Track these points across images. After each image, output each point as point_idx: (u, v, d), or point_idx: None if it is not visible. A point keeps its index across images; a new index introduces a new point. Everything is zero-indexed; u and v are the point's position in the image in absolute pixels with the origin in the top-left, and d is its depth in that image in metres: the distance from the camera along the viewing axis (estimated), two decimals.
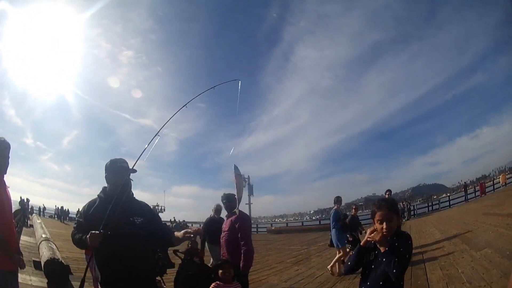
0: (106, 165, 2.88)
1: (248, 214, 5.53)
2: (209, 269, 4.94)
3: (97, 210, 2.69)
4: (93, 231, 2.44)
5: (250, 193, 28.09)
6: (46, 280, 5.24)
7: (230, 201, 5.14)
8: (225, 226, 5.01)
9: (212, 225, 6.68)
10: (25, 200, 28.19)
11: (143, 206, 2.93)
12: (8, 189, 3.11)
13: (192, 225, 41.69)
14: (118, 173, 2.78)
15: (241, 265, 4.43)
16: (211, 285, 3.74)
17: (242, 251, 4.51)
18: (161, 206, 50.98)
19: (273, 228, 30.87)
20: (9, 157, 3.01)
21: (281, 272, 8.48)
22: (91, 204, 2.80)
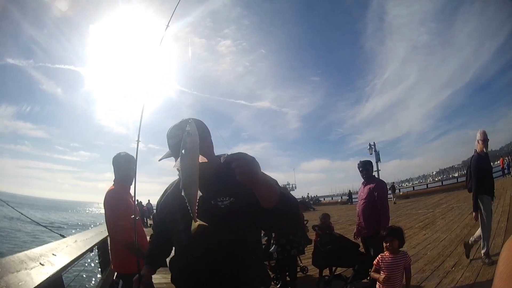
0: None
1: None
2: (349, 242, 4.88)
3: (170, 199, 1.78)
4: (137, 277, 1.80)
5: (377, 159, 27.19)
6: (169, 276, 6.34)
7: (367, 169, 4.82)
8: (362, 193, 4.77)
9: None
10: (141, 202, 27.60)
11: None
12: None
13: (324, 199, 40.97)
14: (172, 144, 1.62)
15: (381, 231, 4.09)
16: (377, 257, 3.35)
17: (381, 219, 4.36)
18: (292, 184, 46.51)
19: (400, 193, 30.00)
20: (134, 169, 2.78)
21: (410, 238, 8.09)
22: (168, 188, 1.88)
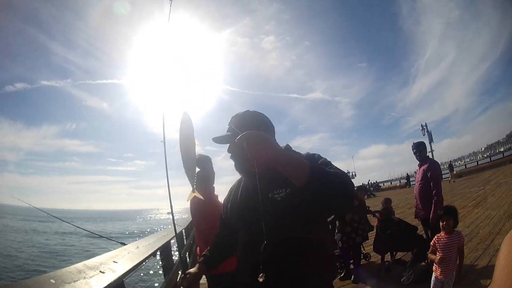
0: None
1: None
2: (408, 226, 4.89)
3: (233, 195, 1.71)
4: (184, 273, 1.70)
5: (430, 140, 26.48)
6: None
7: (420, 150, 4.78)
8: (418, 175, 4.76)
9: None
10: None
11: None
12: (218, 197, 3.13)
13: (383, 184, 40.82)
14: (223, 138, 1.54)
15: (431, 215, 4.30)
16: (434, 238, 3.39)
17: (433, 201, 4.32)
18: (352, 172, 47.54)
19: (454, 172, 29.11)
20: (212, 169, 3.11)
21: (464, 217, 8.23)
22: (234, 185, 1.78)
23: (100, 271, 1.45)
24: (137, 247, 2.53)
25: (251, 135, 1.17)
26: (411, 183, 31.00)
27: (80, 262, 1.50)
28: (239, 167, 1.56)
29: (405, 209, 11.19)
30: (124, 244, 3.32)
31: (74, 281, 1.21)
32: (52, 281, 1.11)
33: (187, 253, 5.75)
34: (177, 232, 4.55)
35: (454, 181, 21.71)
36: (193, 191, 1.48)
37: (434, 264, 3.29)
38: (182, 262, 1.85)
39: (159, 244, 3.26)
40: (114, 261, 1.73)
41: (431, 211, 4.31)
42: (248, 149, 1.17)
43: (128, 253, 2.15)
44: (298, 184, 1.18)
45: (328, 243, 1.55)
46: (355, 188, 5.69)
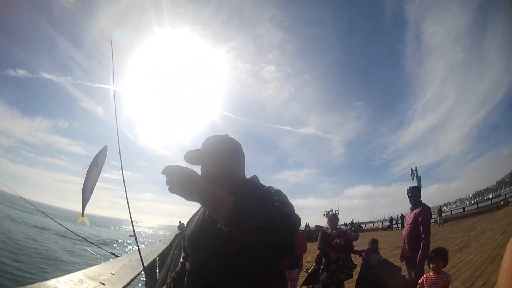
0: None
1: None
2: (392, 266, 4.96)
3: (191, 219, 1.67)
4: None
5: (419, 184, 26.74)
6: None
7: (415, 194, 4.83)
8: (409, 218, 4.82)
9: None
10: (184, 224, 30.05)
11: (260, 197, 1.34)
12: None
13: (366, 225, 40.48)
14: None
15: (418, 257, 4.33)
16: (422, 277, 3.59)
17: (421, 244, 4.38)
18: (335, 210, 45.63)
19: (442, 217, 29.37)
20: None
21: None
22: (194, 214, 1.69)
23: (101, 283, 1.39)
24: (130, 260, 2.45)
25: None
26: (394, 226, 31.64)
27: (62, 266, 1.44)
28: None
29: (386, 251, 11.15)
30: (115, 255, 3.22)
31: None
32: None
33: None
34: (161, 250, 4.52)
35: (442, 225, 22.37)
36: (82, 215, 1.58)
37: None
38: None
39: (149, 260, 3.19)
40: (112, 273, 1.67)
41: (419, 253, 4.34)
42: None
43: (123, 265, 2.09)
44: (220, 222, 1.08)
45: (276, 282, 1.38)
46: (340, 233, 5.67)
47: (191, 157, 1.31)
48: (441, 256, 3.50)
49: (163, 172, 1.09)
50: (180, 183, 1.06)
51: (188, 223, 1.64)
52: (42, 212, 4.07)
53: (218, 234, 1.16)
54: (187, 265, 1.45)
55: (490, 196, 37.80)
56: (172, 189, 1.07)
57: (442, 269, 3.50)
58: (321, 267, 5.25)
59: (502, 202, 26.10)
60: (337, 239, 5.13)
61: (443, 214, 29.41)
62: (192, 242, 1.44)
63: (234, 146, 1.55)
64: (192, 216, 1.65)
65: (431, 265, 3.48)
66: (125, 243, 34.10)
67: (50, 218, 4.09)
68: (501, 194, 35.25)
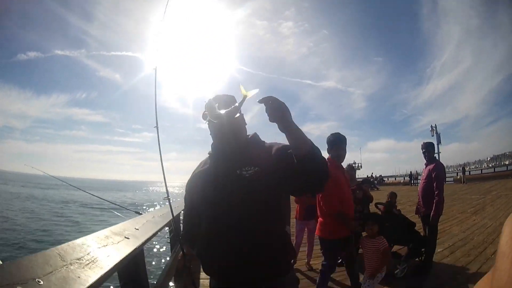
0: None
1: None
2: (407, 221, 4.91)
3: (197, 173, 1.72)
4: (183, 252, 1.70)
5: (438, 142, 26.03)
6: None
7: (429, 150, 4.82)
8: (423, 174, 4.83)
9: None
10: None
11: (264, 149, 1.59)
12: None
13: (388, 179, 40.23)
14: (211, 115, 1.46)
15: (432, 214, 4.37)
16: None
17: (434, 201, 4.38)
18: (358, 164, 46.78)
19: (458, 177, 28.74)
20: (345, 149, 3.46)
21: (461, 222, 8.37)
22: (197, 167, 1.79)
23: (125, 237, 1.50)
24: (153, 216, 2.60)
25: (276, 100, 1.25)
26: (415, 181, 31.22)
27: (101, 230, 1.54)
28: (218, 137, 1.61)
29: (406, 206, 11.23)
30: (139, 213, 3.40)
31: (104, 245, 1.25)
32: (85, 245, 1.16)
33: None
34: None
35: (465, 182, 22.47)
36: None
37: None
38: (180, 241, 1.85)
39: (171, 216, 3.32)
40: (136, 228, 1.79)
41: (432, 210, 4.37)
42: (271, 109, 1.24)
43: (146, 221, 2.22)
44: (296, 153, 1.29)
45: (287, 229, 1.55)
46: (361, 180, 5.68)
47: (274, 100, 1.27)
48: (373, 220, 3.53)
49: (261, 101, 1.25)
50: (283, 111, 1.24)
51: (194, 181, 1.70)
52: (72, 185, 4.12)
53: (242, 178, 1.44)
54: (208, 215, 1.54)
55: (507, 162, 36.83)
56: (274, 117, 1.25)
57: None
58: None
59: None
60: (358, 191, 5.20)
61: (460, 175, 29.08)
62: (212, 191, 1.52)
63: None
64: (193, 173, 1.74)
65: (366, 228, 3.51)
66: (151, 204, 35.03)
67: (76, 188, 4.13)
68: None
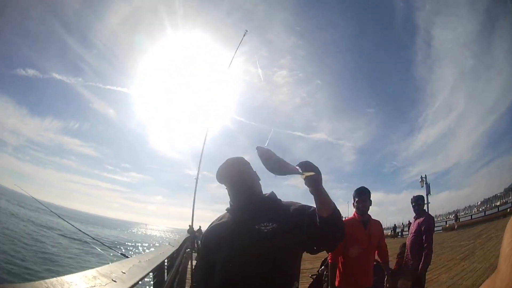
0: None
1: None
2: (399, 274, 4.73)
3: (215, 226, 1.79)
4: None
5: (428, 192, 26.32)
6: None
7: (418, 204, 4.86)
8: (412, 227, 4.86)
9: None
10: (193, 228, 30.45)
11: (282, 207, 1.68)
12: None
13: None
14: (227, 174, 1.70)
15: (420, 265, 4.37)
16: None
17: (424, 253, 4.40)
18: (345, 217, 46.35)
19: (447, 225, 28.88)
20: (366, 201, 3.53)
21: (450, 269, 8.49)
22: (214, 221, 1.85)
23: (112, 280, 1.45)
24: (139, 261, 2.51)
25: (311, 165, 1.36)
26: (402, 233, 31.51)
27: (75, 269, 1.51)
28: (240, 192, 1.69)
29: (392, 258, 10.99)
30: (125, 256, 3.31)
31: (92, 287, 1.22)
32: (73, 283, 1.12)
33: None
34: (170, 253, 4.57)
35: (456, 228, 23.47)
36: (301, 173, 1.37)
37: None
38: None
39: (158, 261, 3.23)
40: (122, 272, 1.73)
41: (421, 262, 4.38)
42: (313, 180, 1.35)
43: (133, 265, 2.15)
44: (321, 214, 1.42)
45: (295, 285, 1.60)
46: None
47: (311, 165, 1.38)
48: (409, 276, 3.63)
49: (300, 165, 1.36)
50: (318, 177, 1.36)
51: (211, 234, 1.78)
52: (56, 214, 4.08)
53: (261, 234, 1.52)
54: (220, 275, 1.57)
55: (498, 204, 37.25)
56: (312, 183, 1.37)
57: None
58: (324, 272, 5.17)
59: (508, 210, 25.92)
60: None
61: (449, 223, 29.28)
62: (229, 246, 1.59)
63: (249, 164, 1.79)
64: (211, 225, 1.83)
65: (398, 282, 3.56)
66: (135, 246, 34.07)
67: (62, 219, 4.10)
68: (508, 202, 34.69)
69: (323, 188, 1.40)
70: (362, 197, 3.53)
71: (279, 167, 1.36)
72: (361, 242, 3.41)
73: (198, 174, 2.10)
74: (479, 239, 14.51)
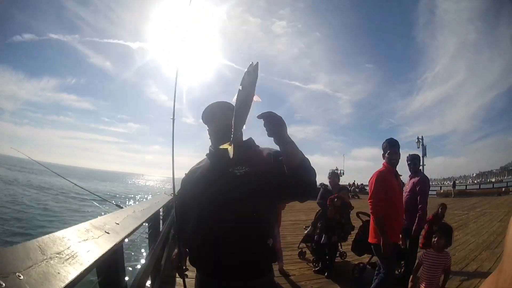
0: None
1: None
2: None
3: (193, 169, 1.85)
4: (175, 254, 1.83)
5: (424, 154, 26.42)
6: None
7: (414, 163, 4.83)
8: (407, 186, 4.79)
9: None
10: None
11: (257, 152, 1.73)
12: (401, 177, 3.73)
13: None
14: (208, 118, 1.73)
15: (414, 227, 4.42)
16: (421, 253, 3.46)
17: (417, 214, 4.41)
18: (341, 170, 45.80)
19: (441, 191, 29.38)
20: (398, 153, 3.57)
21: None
22: (194, 166, 1.90)
23: (106, 232, 1.48)
24: (134, 211, 2.57)
25: (275, 115, 1.36)
26: None
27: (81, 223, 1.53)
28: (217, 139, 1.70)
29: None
30: (120, 206, 3.37)
31: (84, 240, 1.23)
32: (66, 238, 1.14)
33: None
34: (165, 202, 4.64)
35: (454, 196, 23.38)
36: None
37: (418, 278, 3.29)
38: (176, 238, 1.91)
39: (152, 211, 3.30)
40: (116, 223, 1.77)
41: (415, 224, 4.42)
42: (271, 124, 1.35)
43: (127, 215, 2.20)
44: (288, 165, 1.41)
45: (274, 231, 1.69)
46: (339, 188, 5.77)
47: (272, 116, 1.36)
48: (444, 232, 3.27)
49: (260, 117, 1.35)
50: (281, 127, 1.36)
51: (189, 176, 1.84)
52: (56, 173, 4.08)
53: (234, 177, 1.56)
54: (198, 212, 1.64)
55: (493, 180, 37.90)
56: (272, 132, 1.36)
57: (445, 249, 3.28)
58: (317, 225, 5.52)
59: (503, 189, 26.48)
60: (336, 199, 5.26)
61: (443, 189, 29.81)
62: (203, 188, 1.64)
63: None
64: (193, 169, 1.86)
65: (432, 240, 3.28)
66: (131, 197, 34.80)
67: (60, 176, 4.10)
68: (503, 181, 35.25)
69: (288, 138, 1.39)
70: (394, 148, 3.56)
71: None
72: (397, 194, 3.53)
73: (173, 114, 2.02)
74: (473, 211, 14.75)
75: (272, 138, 1.37)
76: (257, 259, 1.55)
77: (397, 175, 3.63)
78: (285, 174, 1.43)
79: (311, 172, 1.47)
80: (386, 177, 3.51)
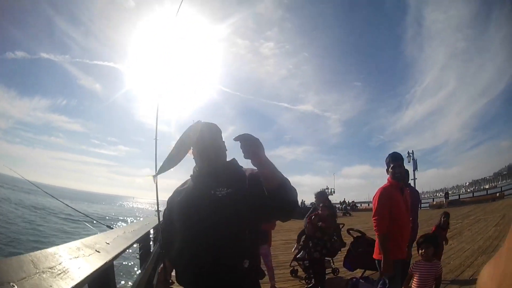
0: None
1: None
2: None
3: (178, 191, 1.87)
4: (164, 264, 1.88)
5: (415, 168, 26.65)
6: None
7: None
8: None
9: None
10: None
11: (238, 174, 1.73)
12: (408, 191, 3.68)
13: (361, 205, 40.24)
14: (199, 138, 1.64)
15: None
16: (412, 264, 3.51)
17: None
18: (331, 189, 46.52)
19: (434, 203, 29.53)
20: (401, 166, 3.50)
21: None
22: (178, 187, 1.92)
23: (96, 251, 1.52)
24: (124, 232, 2.59)
25: (251, 137, 1.43)
26: None
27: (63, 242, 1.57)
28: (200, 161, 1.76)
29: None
30: (110, 227, 3.39)
31: (75, 257, 1.26)
32: (57, 255, 1.18)
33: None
34: (155, 223, 4.65)
35: (447, 207, 23.10)
36: (154, 176, 1.59)
37: None
38: (162, 254, 1.97)
39: (143, 232, 3.33)
40: (107, 242, 1.80)
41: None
42: (246, 146, 1.41)
43: (117, 236, 2.23)
44: (268, 187, 1.45)
45: (255, 251, 1.72)
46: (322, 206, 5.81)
47: (248, 138, 1.44)
48: (429, 242, 3.35)
49: (236, 139, 1.41)
50: (258, 148, 1.43)
51: (174, 198, 1.85)
52: (48, 193, 4.04)
53: (215, 199, 1.58)
54: (182, 232, 1.67)
55: (487, 187, 38.13)
56: (249, 154, 1.42)
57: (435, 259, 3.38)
58: (299, 243, 5.59)
59: (497, 194, 26.35)
60: (313, 217, 5.28)
61: (436, 201, 29.95)
62: (187, 209, 1.67)
63: (216, 130, 1.80)
64: (177, 191, 1.87)
65: (419, 251, 3.36)
66: (121, 219, 34.30)
67: (52, 196, 4.07)
68: (497, 186, 35.47)
69: (266, 159, 1.44)
70: (398, 162, 3.50)
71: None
72: (402, 210, 3.44)
73: (156, 135, 2.09)
74: (467, 220, 14.65)
75: (250, 160, 1.44)
76: (233, 278, 1.56)
77: (402, 189, 3.58)
78: (265, 195, 1.46)
79: (292, 192, 1.51)
80: (390, 193, 3.45)
